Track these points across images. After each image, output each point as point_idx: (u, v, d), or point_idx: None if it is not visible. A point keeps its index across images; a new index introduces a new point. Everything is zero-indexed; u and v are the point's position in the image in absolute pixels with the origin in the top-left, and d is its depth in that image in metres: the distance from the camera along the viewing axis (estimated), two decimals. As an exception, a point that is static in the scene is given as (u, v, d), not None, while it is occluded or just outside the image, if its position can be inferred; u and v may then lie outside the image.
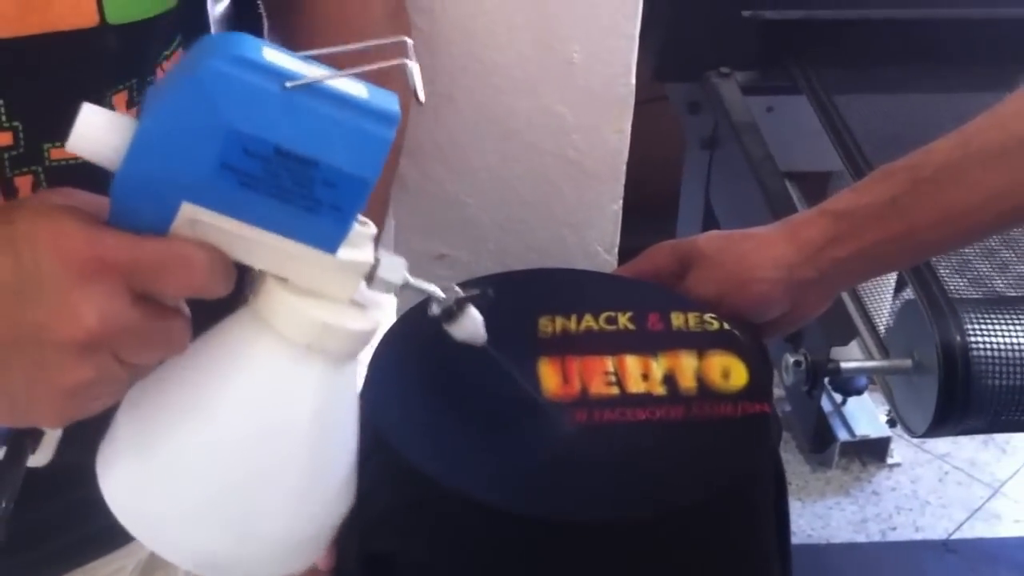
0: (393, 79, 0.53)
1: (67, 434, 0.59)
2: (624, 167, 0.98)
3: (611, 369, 0.70)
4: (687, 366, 0.71)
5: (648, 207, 1.37)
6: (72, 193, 0.55)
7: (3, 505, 0.56)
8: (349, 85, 0.51)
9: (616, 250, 1.01)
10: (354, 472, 0.64)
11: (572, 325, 0.74)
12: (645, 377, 0.70)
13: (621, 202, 0.99)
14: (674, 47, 1.73)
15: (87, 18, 0.63)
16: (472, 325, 0.62)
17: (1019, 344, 1.19)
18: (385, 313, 0.60)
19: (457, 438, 0.66)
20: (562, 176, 0.97)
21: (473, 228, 0.99)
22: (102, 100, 0.67)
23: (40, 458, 0.58)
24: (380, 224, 0.79)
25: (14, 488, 0.56)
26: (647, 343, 0.72)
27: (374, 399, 0.68)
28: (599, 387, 0.69)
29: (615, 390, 0.69)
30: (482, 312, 0.63)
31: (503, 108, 0.94)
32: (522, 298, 0.76)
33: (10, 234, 0.50)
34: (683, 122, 1.87)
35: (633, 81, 0.94)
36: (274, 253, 0.53)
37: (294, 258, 0.54)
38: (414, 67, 0.53)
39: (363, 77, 0.52)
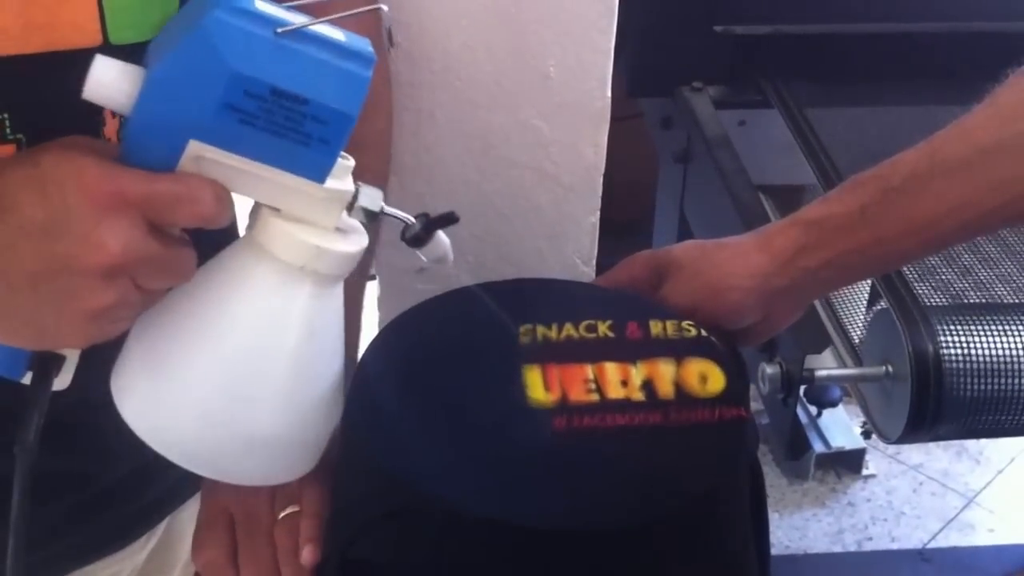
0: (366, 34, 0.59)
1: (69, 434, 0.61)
2: (600, 180, 0.98)
3: (591, 376, 0.71)
4: (665, 372, 0.72)
5: (625, 220, 1.39)
6: (89, 139, 0.59)
7: (36, 420, 0.61)
8: (329, 31, 0.57)
9: (594, 262, 1.02)
10: (341, 386, 0.69)
11: (553, 334, 0.75)
12: (624, 384, 0.71)
13: (598, 215, 1.00)
14: (646, 62, 1.74)
15: (90, 38, 0.66)
16: (440, 247, 0.67)
17: (990, 351, 1.20)
18: (363, 241, 0.65)
19: (438, 446, 0.67)
20: (540, 189, 0.98)
21: (452, 242, 0.99)
22: (100, 117, 0.69)
23: (63, 380, 0.63)
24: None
25: (43, 405, 0.61)
26: (626, 350, 0.73)
27: (359, 407, 0.69)
28: (579, 394, 0.70)
29: (595, 397, 0.70)
30: (463, 321, 0.67)
31: (481, 123, 0.95)
32: (503, 308, 0.77)
33: (37, 175, 0.54)
34: (656, 136, 1.88)
35: (609, 95, 0.95)
36: (269, 185, 0.59)
37: (287, 189, 0.59)
38: (386, 10, 0.60)
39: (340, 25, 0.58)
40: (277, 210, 0.61)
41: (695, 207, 1.78)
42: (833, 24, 1.74)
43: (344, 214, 0.63)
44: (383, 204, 0.64)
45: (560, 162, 0.97)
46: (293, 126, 0.56)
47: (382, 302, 1.01)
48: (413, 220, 0.66)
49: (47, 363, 0.61)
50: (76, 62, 0.60)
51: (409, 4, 0.90)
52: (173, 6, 0.70)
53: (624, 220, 1.41)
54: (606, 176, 0.98)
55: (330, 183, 0.60)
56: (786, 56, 1.72)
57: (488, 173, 0.97)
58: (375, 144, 0.87)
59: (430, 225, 0.66)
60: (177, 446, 0.63)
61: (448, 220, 0.67)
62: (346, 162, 0.61)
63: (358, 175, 0.63)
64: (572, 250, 1.01)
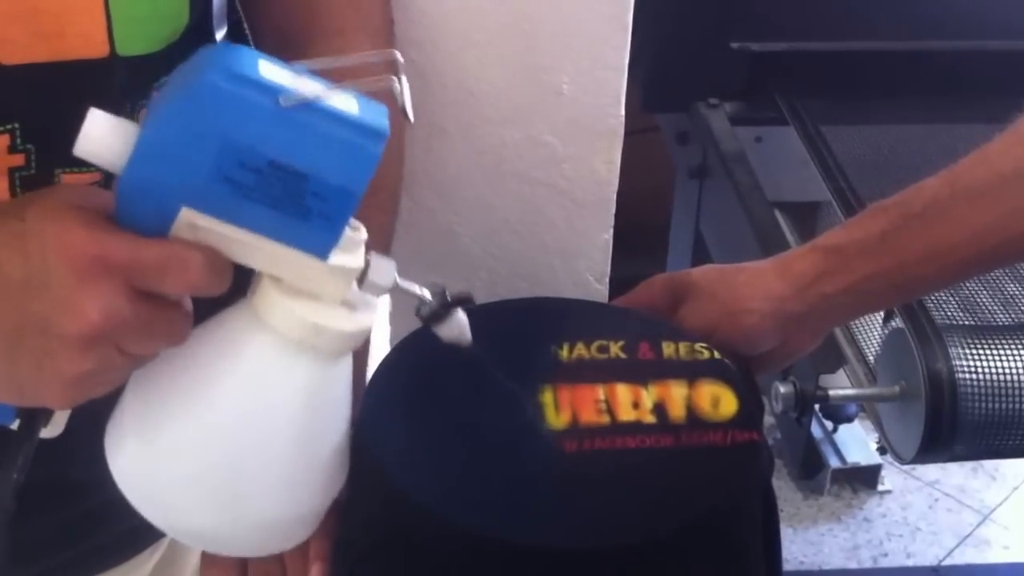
0: (385, 95, 0.55)
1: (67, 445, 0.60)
2: (614, 197, 0.98)
3: (602, 397, 0.71)
4: (677, 395, 0.71)
5: (639, 236, 1.38)
6: (83, 190, 0.57)
7: (16, 476, 0.58)
8: (341, 99, 0.53)
9: (607, 279, 1.02)
10: (343, 462, 0.66)
11: (564, 354, 0.74)
12: (635, 405, 0.70)
13: (611, 231, 1.00)
14: (662, 78, 1.74)
15: (98, 49, 0.65)
16: (458, 326, 0.64)
17: (1005, 371, 1.19)
18: (376, 312, 0.62)
19: (450, 467, 0.67)
20: (552, 206, 0.98)
21: (464, 258, 0.99)
22: None
23: (53, 430, 0.60)
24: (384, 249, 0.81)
25: (27, 457, 0.59)
26: (638, 372, 0.73)
27: (368, 428, 0.68)
28: (590, 415, 0.69)
29: (606, 418, 0.69)
30: (481, 341, 0.65)
31: (494, 139, 0.95)
32: (515, 328, 0.77)
33: (20, 230, 0.53)
34: (672, 152, 1.88)
35: (622, 112, 0.94)
36: (269, 256, 0.56)
37: (288, 261, 0.56)
38: (404, 83, 0.55)
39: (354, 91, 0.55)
40: (279, 280, 0.58)
41: (711, 222, 1.78)
42: (849, 41, 1.74)
43: (354, 285, 0.59)
44: (396, 278, 0.60)
45: (573, 179, 0.97)
46: (292, 200, 0.53)
47: (393, 317, 1.01)
48: (429, 297, 0.63)
49: (34, 414, 0.59)
50: (85, 74, 0.60)
51: (422, 19, 0.90)
52: (182, 21, 0.69)
53: (638, 232, 1.41)
54: (621, 188, 0.98)
55: (336, 258, 0.57)
56: (802, 73, 1.72)
57: (500, 189, 0.97)
58: (385, 188, 0.84)
59: (447, 305, 0.63)
60: (164, 514, 0.61)
61: (465, 301, 0.64)
62: (356, 235, 0.58)
63: (369, 217, 0.60)
64: (585, 267, 1.01)
